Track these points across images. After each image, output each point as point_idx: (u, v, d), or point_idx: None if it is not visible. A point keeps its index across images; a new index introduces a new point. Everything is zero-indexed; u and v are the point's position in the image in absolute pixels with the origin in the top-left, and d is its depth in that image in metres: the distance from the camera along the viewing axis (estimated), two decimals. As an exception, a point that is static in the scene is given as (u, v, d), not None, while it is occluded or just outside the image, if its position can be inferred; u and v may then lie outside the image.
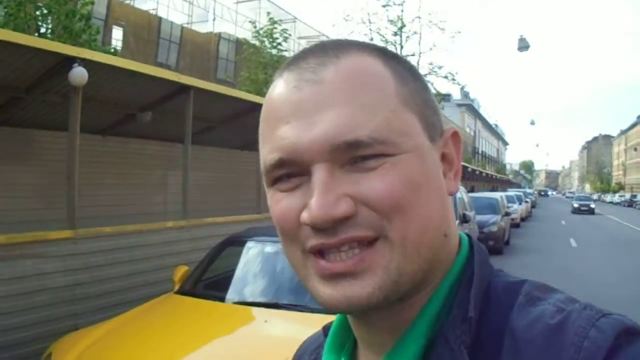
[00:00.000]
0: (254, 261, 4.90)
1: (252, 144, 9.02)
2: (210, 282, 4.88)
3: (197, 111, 6.87)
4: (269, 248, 4.88)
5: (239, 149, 10.32)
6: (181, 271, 4.94)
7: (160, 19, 19.32)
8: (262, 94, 16.27)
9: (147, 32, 18.15)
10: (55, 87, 5.63)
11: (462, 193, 10.50)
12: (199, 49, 19.44)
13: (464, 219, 9.57)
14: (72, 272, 4.94)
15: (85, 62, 5.09)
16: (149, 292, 4.80)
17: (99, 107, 6.44)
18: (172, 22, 19.74)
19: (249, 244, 5.04)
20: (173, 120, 7.13)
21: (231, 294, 4.51)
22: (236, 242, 5.16)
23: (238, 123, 8.75)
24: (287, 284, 4.50)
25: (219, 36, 20.95)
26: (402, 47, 24.02)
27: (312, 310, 3.96)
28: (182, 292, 4.70)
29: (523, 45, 25.05)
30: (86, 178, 5.99)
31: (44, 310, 4.63)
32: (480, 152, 53.37)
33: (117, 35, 17.88)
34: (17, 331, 4.40)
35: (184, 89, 6.61)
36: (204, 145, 8.75)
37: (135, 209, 6.72)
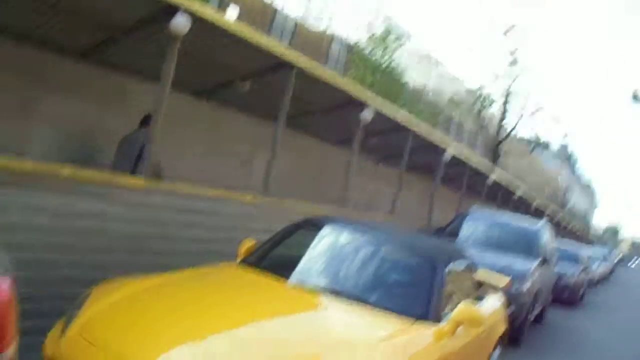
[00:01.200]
0: (326, 247, 4.50)
1: (346, 141, 8.55)
2: (276, 259, 4.47)
3: (296, 92, 6.49)
4: (346, 236, 4.53)
5: (332, 144, 9.89)
6: (248, 244, 4.64)
7: (275, 10, 19.38)
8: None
9: (260, 19, 18.17)
10: (154, 34, 5.37)
11: (548, 236, 9.96)
12: (310, 46, 19.25)
13: (545, 260, 9.13)
14: (137, 223, 4.63)
15: (191, 15, 4.80)
16: (212, 261, 4.40)
17: (195, 66, 6.15)
18: (287, 16, 19.75)
19: (326, 229, 4.63)
20: (270, 96, 6.78)
21: (296, 275, 4.13)
22: (311, 225, 4.74)
23: (336, 116, 8.34)
24: (356, 277, 4.18)
25: (332, 37, 20.78)
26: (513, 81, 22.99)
27: (374, 306, 3.74)
28: (245, 263, 4.36)
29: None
30: (170, 136, 5.71)
31: (101, 253, 4.33)
32: (568, 206, 51.02)
33: (231, 14, 17.98)
34: (69, 269, 4.11)
35: (287, 65, 6.22)
36: (296, 130, 8.37)
37: (216, 179, 6.38)
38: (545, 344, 9.01)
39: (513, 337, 7.71)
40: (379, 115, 7.77)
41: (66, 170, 4.03)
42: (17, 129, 5.54)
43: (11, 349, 1.41)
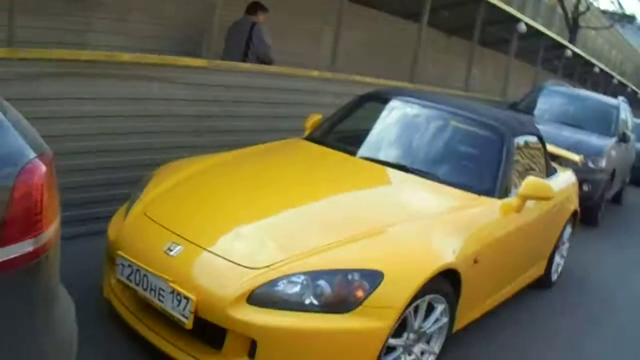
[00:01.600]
0: (392, 121, 4.40)
1: (416, 14, 8.12)
2: (343, 134, 4.42)
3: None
4: (413, 110, 4.38)
5: (401, 17, 9.43)
6: (314, 118, 4.57)
7: None
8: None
9: None
10: None
11: (626, 113, 9.42)
12: None
13: (623, 138, 8.64)
14: (200, 103, 4.63)
15: None
16: (277, 138, 4.40)
17: None
18: None
19: (393, 103, 4.50)
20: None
21: (363, 149, 4.09)
22: (379, 98, 4.63)
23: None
24: (422, 151, 4.09)
25: None
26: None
27: (440, 181, 3.67)
28: (311, 138, 4.33)
29: None
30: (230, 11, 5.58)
31: (165, 136, 4.39)
32: None
33: None
34: (134, 153, 4.21)
35: None
36: (364, 4, 7.99)
37: (280, 56, 6.26)
38: (623, 224, 8.80)
39: (589, 216, 7.58)
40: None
41: (126, 56, 4.02)
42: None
43: (50, 231, 1.45)
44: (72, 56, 3.72)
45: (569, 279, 5.36)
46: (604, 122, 8.58)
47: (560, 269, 5.25)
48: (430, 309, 2.90)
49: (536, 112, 8.97)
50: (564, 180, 5.11)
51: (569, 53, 12.28)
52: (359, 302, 2.49)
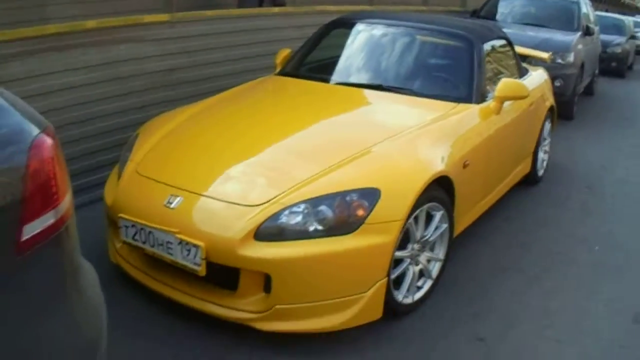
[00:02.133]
0: (361, 43, 4.42)
1: None
2: (314, 64, 4.44)
3: None
4: (380, 30, 4.39)
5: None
6: (284, 53, 4.57)
7: None
8: None
9: None
10: None
11: (587, 7, 9.40)
12: None
13: (587, 32, 8.65)
14: (169, 57, 4.58)
15: None
16: (250, 79, 4.39)
17: None
18: None
19: (359, 26, 4.51)
20: None
21: (336, 75, 4.14)
22: (345, 24, 4.62)
23: None
24: (394, 68, 4.14)
25: None
26: None
27: (417, 94, 3.77)
28: (283, 73, 4.35)
29: None
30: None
31: (139, 95, 4.36)
32: None
33: None
34: (113, 117, 4.18)
35: None
36: None
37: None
38: (597, 114, 8.95)
39: (565, 110, 7.70)
40: None
41: (90, 23, 3.94)
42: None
43: (66, 201, 1.49)
44: (37, 32, 3.64)
45: (554, 172, 5.53)
46: (567, 18, 8.60)
47: (545, 163, 5.42)
48: (429, 217, 3.00)
49: (498, 17, 8.97)
50: (537, 78, 5.18)
51: None
52: (361, 221, 2.57)
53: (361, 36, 4.40)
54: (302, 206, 2.58)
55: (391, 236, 2.63)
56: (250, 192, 2.69)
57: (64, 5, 4.40)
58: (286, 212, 2.57)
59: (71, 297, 1.54)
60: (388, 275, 2.69)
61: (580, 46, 8.10)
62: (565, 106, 7.70)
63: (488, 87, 3.97)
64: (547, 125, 5.30)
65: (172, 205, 2.69)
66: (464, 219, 3.59)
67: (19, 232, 1.34)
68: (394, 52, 4.20)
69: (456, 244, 3.43)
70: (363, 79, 4.01)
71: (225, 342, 2.65)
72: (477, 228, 3.92)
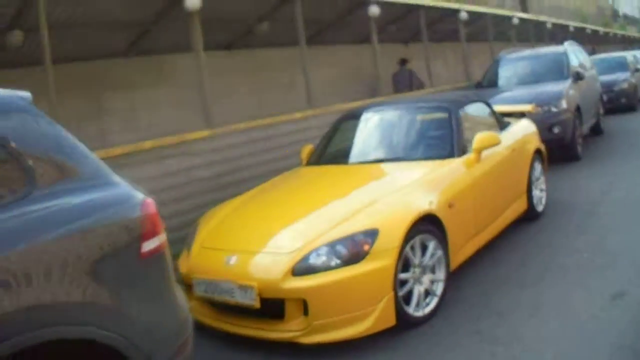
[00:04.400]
0: (365, 129, 5.54)
1: (367, 38, 9.31)
2: (331, 152, 5.51)
3: (308, 15, 7.35)
4: (377, 116, 5.55)
5: (356, 43, 10.65)
6: (307, 149, 5.68)
7: None
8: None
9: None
10: (176, 15, 6.36)
11: (577, 54, 10.37)
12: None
13: (578, 77, 9.51)
14: (213, 165, 5.78)
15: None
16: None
17: (218, 25, 7.16)
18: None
19: (362, 117, 5.64)
20: (287, 26, 7.65)
21: (347, 158, 5.22)
22: (351, 117, 5.77)
23: (347, 21, 9.09)
24: (391, 143, 5.21)
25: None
26: None
27: (410, 160, 4.86)
28: (308, 163, 5.46)
29: None
30: (218, 87, 6.77)
31: (193, 198, 5.50)
32: (621, 14, 47.24)
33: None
34: (171, 219, 5.23)
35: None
36: (321, 45, 9.25)
37: (267, 110, 7.44)
38: (604, 150, 9.56)
39: (568, 152, 8.58)
40: (384, 6, 8.49)
41: (147, 144, 5.20)
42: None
43: (163, 235, 2.56)
44: (107, 154, 4.88)
45: (556, 206, 6.33)
46: (557, 69, 9.57)
47: (544, 200, 6.22)
48: (425, 247, 3.93)
49: (499, 82, 10.02)
50: (519, 128, 6.12)
51: (516, 21, 13.38)
52: (367, 252, 3.54)
53: (362, 124, 5.52)
54: (325, 248, 3.57)
55: (391, 260, 3.58)
56: (286, 244, 3.71)
57: (121, 133, 5.68)
58: (314, 253, 3.56)
59: (172, 290, 2.59)
60: (395, 290, 3.61)
61: (572, 92, 8.99)
62: (568, 149, 8.57)
63: (469, 143, 4.95)
64: (538, 166, 6.15)
65: (231, 263, 3.72)
66: (464, 250, 4.48)
67: (140, 246, 2.42)
68: (389, 131, 5.31)
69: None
70: (368, 157, 5.10)
71: None
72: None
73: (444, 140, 4.93)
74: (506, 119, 6.35)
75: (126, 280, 2.35)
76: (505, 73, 10.20)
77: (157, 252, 2.50)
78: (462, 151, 4.85)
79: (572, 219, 5.91)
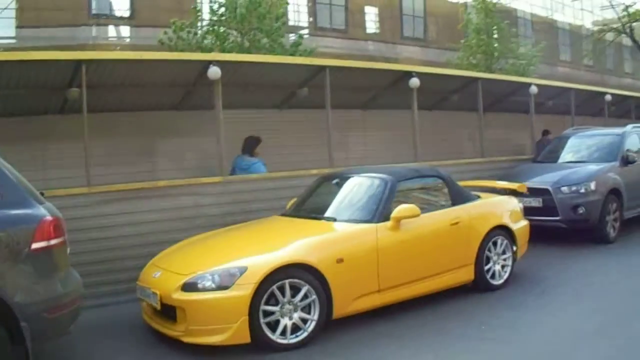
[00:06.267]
0: (327, 190, 6.75)
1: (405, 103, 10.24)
2: (305, 206, 6.73)
3: (364, 82, 8.82)
4: (338, 179, 6.72)
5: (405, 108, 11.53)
6: (292, 201, 6.99)
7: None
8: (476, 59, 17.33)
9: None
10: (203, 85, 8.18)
11: (637, 137, 10.32)
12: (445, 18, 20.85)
13: (627, 161, 9.63)
14: (223, 205, 7.26)
15: (221, 63, 7.49)
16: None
17: (261, 89, 8.88)
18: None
19: (332, 179, 6.88)
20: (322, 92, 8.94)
21: (302, 212, 6.51)
22: (327, 178, 7.00)
23: (395, 89, 10.22)
24: (328, 204, 6.36)
25: (465, 5, 21.89)
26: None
27: (334, 220, 5.96)
28: (282, 214, 6.76)
29: None
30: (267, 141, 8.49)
31: (200, 229, 6.95)
32: None
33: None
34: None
35: (321, 68, 8.62)
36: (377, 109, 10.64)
37: (307, 164, 8.82)
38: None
39: (596, 234, 8.89)
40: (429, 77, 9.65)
41: (161, 183, 6.95)
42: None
43: (54, 240, 4.20)
44: (126, 187, 6.68)
45: (524, 280, 6.89)
46: (608, 151, 9.83)
47: (507, 275, 6.66)
48: (298, 290, 5.05)
49: (553, 158, 10.44)
50: (481, 204, 6.79)
51: (608, 97, 13.25)
52: (234, 282, 4.83)
53: (327, 187, 6.77)
54: (209, 275, 4.93)
55: (248, 291, 4.79)
56: (191, 268, 5.12)
57: (142, 173, 7.51)
58: (198, 277, 4.94)
59: (55, 272, 4.25)
60: (249, 315, 4.80)
61: (611, 174, 9.26)
62: (596, 230, 8.85)
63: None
64: (500, 242, 6.65)
65: (155, 276, 5.26)
66: (361, 302, 5.43)
67: (31, 244, 4.06)
68: (339, 194, 6.42)
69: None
70: (313, 213, 6.29)
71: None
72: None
73: (369, 207, 5.91)
74: (483, 194, 7.11)
75: (16, 263, 4.01)
76: (562, 151, 10.53)
77: (44, 250, 4.12)
78: (386, 218, 5.76)
79: (531, 293, 6.34)
